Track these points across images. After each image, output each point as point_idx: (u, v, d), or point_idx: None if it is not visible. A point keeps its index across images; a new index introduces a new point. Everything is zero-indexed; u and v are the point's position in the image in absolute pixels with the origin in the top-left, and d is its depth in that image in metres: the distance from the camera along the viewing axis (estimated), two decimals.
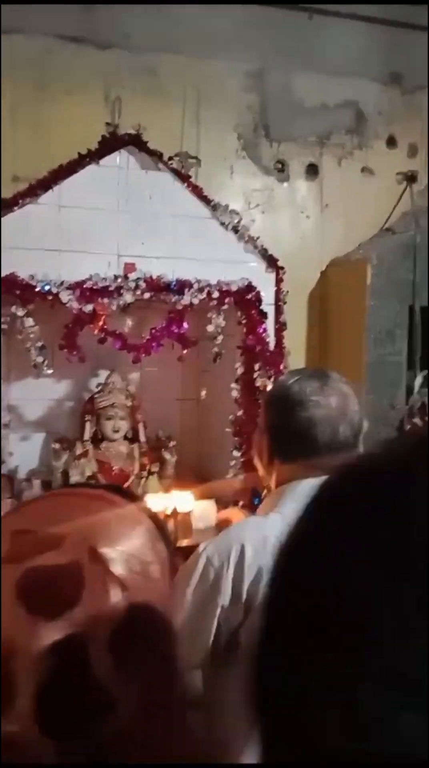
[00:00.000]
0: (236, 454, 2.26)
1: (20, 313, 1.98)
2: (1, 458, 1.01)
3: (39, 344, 2.06)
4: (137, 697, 0.47)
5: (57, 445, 2.32)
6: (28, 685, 0.45)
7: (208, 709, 1.18)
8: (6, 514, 0.56)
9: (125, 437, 2.43)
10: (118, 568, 0.50)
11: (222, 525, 1.41)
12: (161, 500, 1.61)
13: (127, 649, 0.48)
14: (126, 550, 0.51)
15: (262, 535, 1.10)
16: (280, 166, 2.67)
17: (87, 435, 2.39)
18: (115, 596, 0.49)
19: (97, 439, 2.41)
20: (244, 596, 1.08)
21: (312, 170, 2.71)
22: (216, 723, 1.14)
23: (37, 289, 1.97)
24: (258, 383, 2.21)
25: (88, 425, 2.40)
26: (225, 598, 1.09)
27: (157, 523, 0.57)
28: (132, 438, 2.45)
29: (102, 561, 0.50)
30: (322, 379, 1.19)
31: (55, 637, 0.46)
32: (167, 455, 2.41)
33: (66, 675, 0.46)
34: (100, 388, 2.42)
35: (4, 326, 1.99)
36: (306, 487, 1.14)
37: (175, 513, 1.55)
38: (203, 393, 2.39)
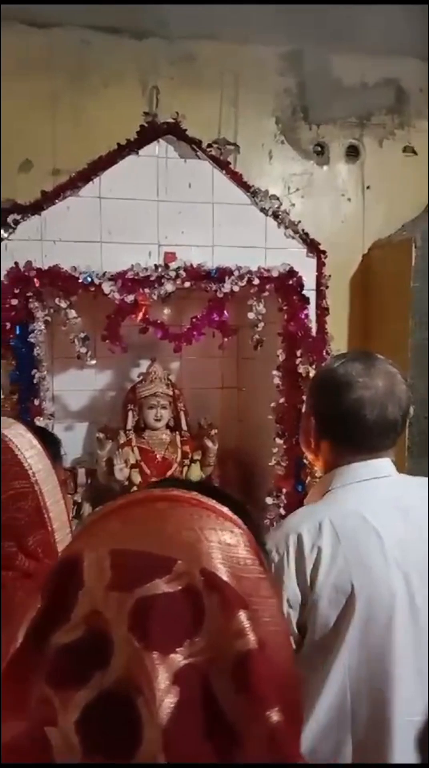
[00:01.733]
0: (279, 441, 2.25)
1: (63, 305, 2.01)
2: (62, 452, 1.03)
3: (82, 335, 2.09)
4: (268, 731, 0.43)
5: (101, 435, 2.35)
6: (154, 723, 0.42)
7: None
8: (91, 526, 0.51)
9: (167, 426, 2.45)
10: (236, 589, 0.46)
11: None
12: None
13: (255, 677, 0.44)
14: (236, 568, 0.47)
15: (316, 520, 1.11)
16: (319, 149, 2.63)
17: (130, 424, 2.42)
18: (239, 621, 0.45)
19: (140, 427, 2.43)
20: (307, 581, 1.09)
21: (352, 152, 2.66)
22: None
23: (79, 281, 1.99)
24: (300, 370, 2.19)
25: (130, 414, 2.42)
26: (288, 591, 1.09)
27: (251, 527, 0.53)
28: (174, 426, 2.47)
29: (220, 585, 0.45)
30: (368, 361, 1.19)
31: (175, 670, 0.43)
32: (209, 443, 2.41)
33: (192, 709, 0.43)
34: (141, 377, 2.44)
35: (47, 318, 2.02)
36: (356, 470, 1.17)
37: None
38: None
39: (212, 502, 0.51)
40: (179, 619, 0.44)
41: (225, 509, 0.51)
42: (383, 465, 1.18)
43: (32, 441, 0.86)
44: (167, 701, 0.42)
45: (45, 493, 0.83)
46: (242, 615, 0.45)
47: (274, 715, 0.44)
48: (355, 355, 1.26)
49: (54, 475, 0.87)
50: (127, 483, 2.33)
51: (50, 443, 0.92)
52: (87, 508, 2.35)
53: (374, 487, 1.16)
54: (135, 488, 2.32)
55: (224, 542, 0.48)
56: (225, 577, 0.46)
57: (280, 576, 1.09)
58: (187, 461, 2.43)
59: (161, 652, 0.43)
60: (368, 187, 2.68)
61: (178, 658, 0.43)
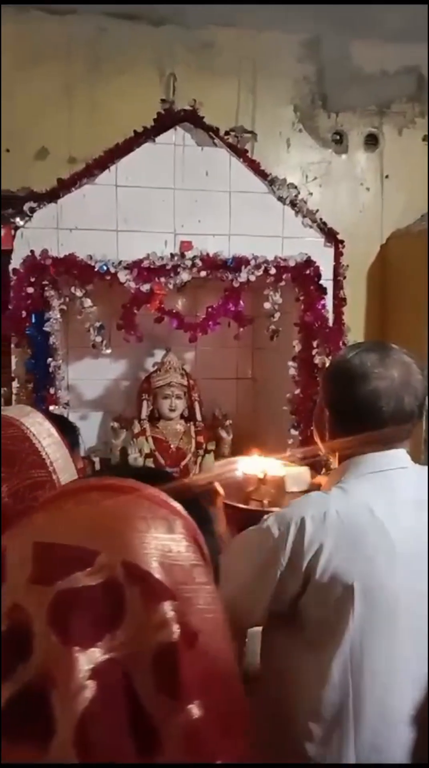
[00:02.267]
0: (294, 432, 2.24)
1: (79, 293, 2.00)
2: (80, 440, 1.02)
3: (97, 324, 2.08)
4: (186, 727, 0.43)
5: (115, 424, 2.36)
6: (67, 718, 0.41)
7: (266, 672, 1.18)
8: (23, 523, 0.50)
9: (181, 416, 2.44)
10: (161, 579, 0.45)
11: (315, 489, 1.41)
12: (253, 464, 1.61)
13: (176, 671, 0.44)
14: (167, 557, 0.46)
15: (323, 510, 1.09)
16: (338, 137, 2.60)
17: (144, 414, 2.42)
18: (161, 613, 0.45)
19: (154, 417, 2.43)
20: (304, 569, 1.07)
21: (371, 140, 2.62)
22: (274, 685, 1.14)
23: (95, 270, 1.98)
24: (316, 361, 2.17)
25: (145, 404, 2.42)
26: (282, 569, 1.08)
27: (197, 510, 0.52)
28: (188, 417, 2.46)
29: (142, 577, 0.45)
30: (383, 351, 1.16)
31: (93, 665, 0.42)
32: (223, 434, 2.41)
33: (108, 705, 0.42)
34: (156, 367, 2.43)
35: (63, 307, 2.01)
36: (370, 462, 1.15)
37: (265, 477, 1.57)
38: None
39: (150, 490, 0.50)
40: (99, 612, 0.44)
41: (162, 495, 0.50)
42: (398, 456, 1.16)
43: (50, 430, 0.86)
44: (83, 696, 0.41)
45: (62, 482, 0.82)
46: (166, 606, 0.45)
47: (195, 710, 0.43)
48: (369, 345, 1.23)
49: (72, 463, 0.86)
50: None
51: (68, 431, 0.91)
52: None
53: (388, 478, 1.13)
54: None
55: (155, 531, 0.47)
56: (150, 568, 0.45)
57: (276, 552, 1.08)
58: (201, 452, 2.42)
59: (80, 646, 0.43)
60: (387, 177, 2.64)
61: (97, 653, 0.43)
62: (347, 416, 1.16)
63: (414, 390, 1.13)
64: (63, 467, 0.83)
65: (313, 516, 1.08)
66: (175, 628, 0.44)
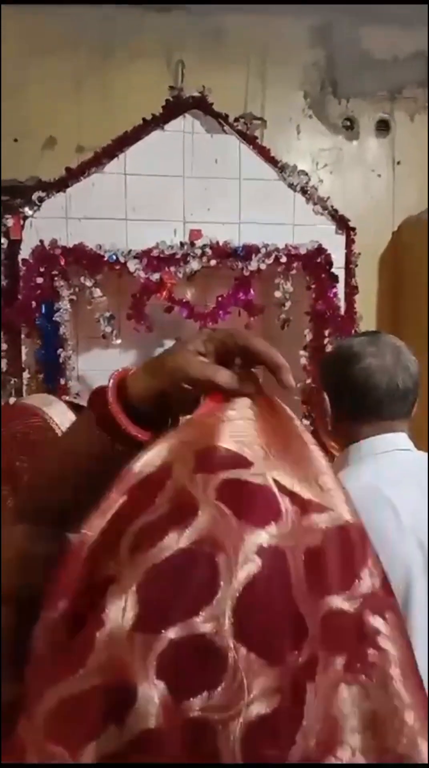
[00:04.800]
0: (305, 422, 2.22)
1: (88, 283, 1.99)
2: None
3: (107, 314, 2.07)
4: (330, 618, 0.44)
5: None
6: (230, 585, 0.42)
7: None
8: (174, 437, 0.51)
9: None
10: (306, 495, 0.47)
11: None
12: None
13: (324, 569, 0.46)
14: (306, 474, 0.49)
15: None
16: (348, 123, 2.56)
17: None
18: (310, 521, 0.47)
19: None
20: None
21: (383, 126, 2.58)
22: None
23: (104, 259, 1.97)
24: (328, 350, 2.15)
25: None
26: None
27: None
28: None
29: (290, 491, 0.47)
30: (374, 336, 1.22)
31: (260, 544, 0.44)
32: None
33: (270, 582, 0.43)
34: None
35: (72, 297, 2.01)
36: (371, 444, 1.15)
37: None
38: None
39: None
40: (260, 506, 0.46)
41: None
42: (399, 439, 1.17)
43: (73, 419, 0.85)
44: (248, 567, 0.43)
45: None
46: (314, 516, 0.48)
47: (340, 602, 0.45)
48: (360, 333, 1.33)
49: None
50: None
51: None
52: None
53: (391, 459, 1.14)
54: None
55: (296, 453, 0.50)
56: (298, 487, 0.48)
57: None
58: None
59: (249, 524, 0.44)
60: (399, 163, 2.60)
61: (264, 536, 0.44)
62: (344, 398, 1.18)
63: (406, 367, 1.16)
64: None
65: None
66: (322, 535, 0.47)
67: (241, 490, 0.46)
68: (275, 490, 0.47)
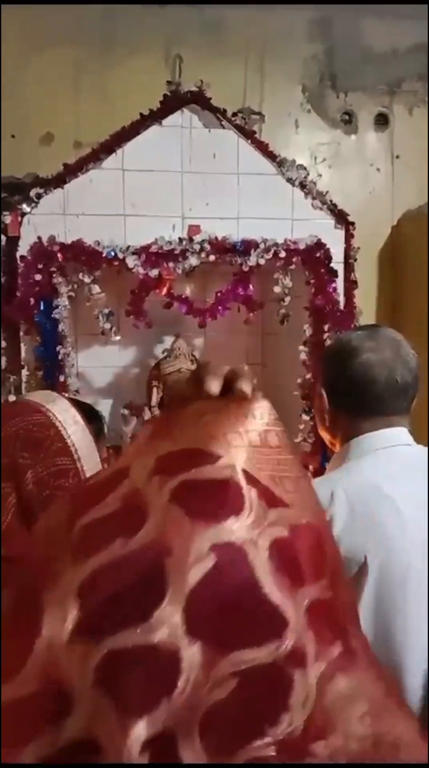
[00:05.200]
0: (305, 417, 2.22)
1: (87, 279, 1.98)
2: (105, 428, 1.03)
3: (106, 311, 2.07)
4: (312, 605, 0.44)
5: (126, 411, 2.34)
6: (177, 588, 0.41)
7: None
8: (137, 442, 0.52)
9: None
10: (277, 491, 0.47)
11: None
12: None
13: (295, 557, 0.45)
14: (277, 470, 0.48)
15: (329, 489, 1.08)
16: (347, 117, 2.55)
17: (154, 401, 2.40)
18: (276, 516, 0.46)
19: (164, 404, 2.41)
20: None
21: (381, 120, 2.58)
22: None
23: (103, 255, 1.96)
24: (327, 344, 2.14)
25: (154, 391, 2.40)
26: None
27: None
28: None
29: (256, 482, 0.46)
30: (372, 330, 1.21)
31: (214, 541, 0.43)
32: None
33: (225, 578, 0.43)
34: (165, 354, 2.41)
35: (71, 294, 2.00)
36: (371, 439, 1.14)
37: None
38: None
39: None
40: (222, 501, 0.45)
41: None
42: (399, 434, 1.15)
43: (76, 417, 0.85)
44: (202, 565, 0.42)
45: (86, 471, 0.81)
46: (280, 510, 0.47)
47: (319, 590, 0.44)
48: (359, 327, 1.31)
49: (96, 452, 0.85)
50: None
51: (93, 419, 0.90)
52: None
53: (391, 454, 1.13)
54: None
55: (267, 450, 0.49)
56: (268, 482, 0.47)
57: None
58: None
59: (202, 522, 0.43)
60: (398, 157, 2.60)
61: (219, 532, 0.44)
62: (343, 393, 1.17)
63: (405, 362, 1.15)
64: (87, 455, 0.82)
65: (322, 496, 1.04)
66: (288, 527, 0.46)
67: (199, 489, 0.45)
68: (242, 482, 0.46)
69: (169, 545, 0.43)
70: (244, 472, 0.46)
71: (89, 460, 0.83)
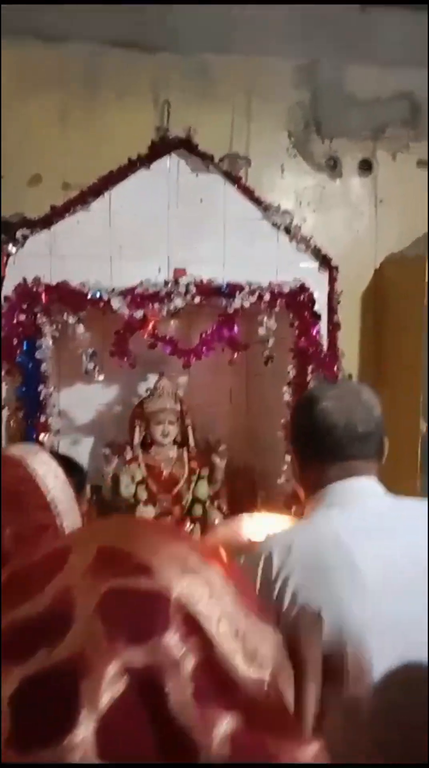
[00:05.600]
0: (289, 458, 2.21)
1: (71, 320, 1.98)
2: (86, 481, 1.03)
3: (90, 351, 2.06)
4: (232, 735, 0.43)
5: (107, 451, 2.32)
6: (90, 711, 0.41)
7: None
8: (87, 527, 0.52)
9: (174, 441, 2.41)
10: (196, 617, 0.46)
11: None
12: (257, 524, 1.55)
13: (212, 684, 0.44)
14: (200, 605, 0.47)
15: (287, 542, 1.08)
16: (332, 162, 2.60)
17: (136, 440, 2.39)
18: (202, 634, 0.45)
19: (147, 443, 2.40)
20: (274, 602, 1.04)
21: (365, 165, 2.63)
22: None
23: (88, 297, 1.96)
24: (311, 386, 2.15)
25: (137, 430, 2.39)
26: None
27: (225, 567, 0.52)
28: (181, 442, 2.43)
29: (184, 608, 0.46)
30: (337, 382, 1.34)
31: (130, 663, 0.42)
32: (217, 459, 2.37)
33: (137, 703, 0.42)
34: (149, 392, 2.41)
35: (55, 334, 2.00)
36: (334, 491, 1.13)
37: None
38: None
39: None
40: (147, 618, 0.44)
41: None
42: (366, 484, 1.15)
43: (57, 471, 0.84)
44: (115, 688, 0.41)
45: (66, 527, 0.80)
46: (203, 635, 0.46)
47: (228, 723, 0.43)
48: (328, 382, 1.34)
49: (77, 507, 0.84)
50: (133, 500, 2.30)
51: (74, 472, 0.90)
52: None
53: (356, 507, 1.12)
54: (140, 505, 2.29)
55: (200, 576, 0.48)
56: (192, 604, 0.46)
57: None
58: (194, 478, 2.39)
59: (121, 643, 0.43)
60: (381, 201, 2.64)
61: (137, 654, 0.43)
62: (305, 441, 1.20)
63: (366, 408, 1.16)
64: (67, 510, 0.82)
65: (279, 550, 1.07)
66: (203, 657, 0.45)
67: (127, 600, 0.45)
68: (172, 601, 0.45)
69: (86, 665, 0.42)
70: (178, 595, 0.46)
71: (69, 515, 0.83)
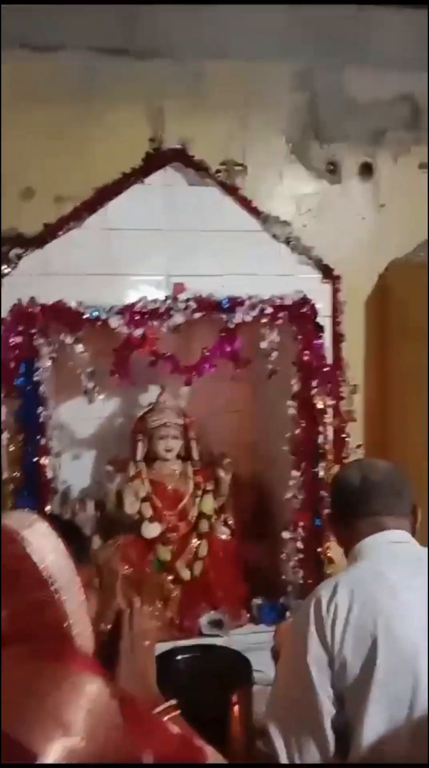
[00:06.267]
0: (295, 473, 2.18)
1: (69, 340, 1.94)
2: (88, 546, 1.04)
3: (89, 370, 2.02)
4: None
5: (110, 468, 2.29)
6: None
7: None
8: None
9: (178, 456, 2.38)
10: None
11: None
12: None
13: None
14: None
15: (333, 583, 1.17)
16: (331, 167, 2.54)
17: (139, 455, 2.35)
18: None
19: (150, 458, 2.36)
20: (328, 638, 1.11)
21: (366, 170, 2.57)
22: None
23: (85, 317, 1.92)
24: (316, 401, 2.11)
25: (139, 445, 2.35)
26: (311, 653, 1.11)
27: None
28: (185, 456, 2.39)
29: None
30: (367, 460, 1.54)
31: None
32: (222, 473, 2.34)
33: None
34: (150, 407, 2.36)
35: (53, 355, 1.96)
36: (369, 543, 1.23)
37: None
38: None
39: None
40: None
41: None
42: (396, 534, 1.24)
43: (55, 543, 0.82)
44: None
45: (66, 601, 0.78)
46: None
47: None
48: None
49: (77, 578, 0.82)
50: (137, 516, 2.27)
51: (74, 540, 0.87)
52: (97, 541, 2.28)
53: (389, 550, 1.22)
54: (146, 522, 2.26)
55: None
56: None
57: (304, 641, 1.13)
58: (199, 492, 2.35)
59: None
60: (383, 206, 2.59)
61: None
62: (334, 505, 1.35)
63: (379, 467, 1.31)
64: (66, 585, 0.79)
65: (326, 591, 1.15)
66: None
67: None
68: None
69: None
70: None
71: (68, 589, 0.81)
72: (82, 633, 0.81)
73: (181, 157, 2.03)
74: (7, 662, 0.70)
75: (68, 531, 0.88)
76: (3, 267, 1.89)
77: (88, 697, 0.67)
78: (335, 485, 1.36)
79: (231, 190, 2.11)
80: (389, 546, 1.22)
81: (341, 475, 1.36)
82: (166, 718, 1.00)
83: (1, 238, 2.13)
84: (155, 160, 2.03)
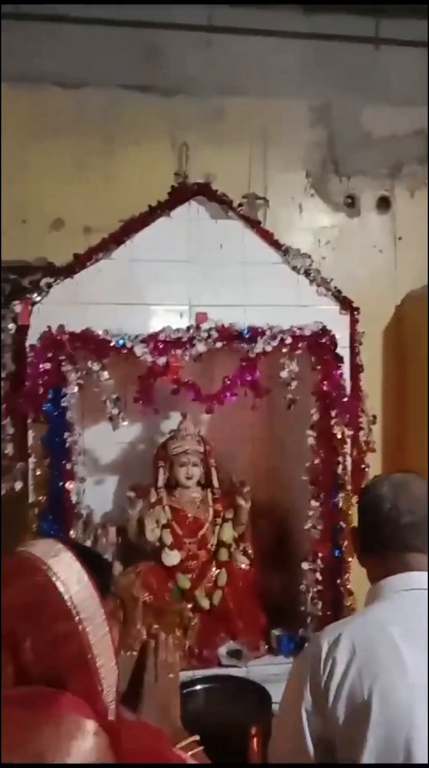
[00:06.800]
0: (314, 503, 2.19)
1: (96, 367, 1.99)
2: (111, 578, 1.05)
3: (114, 396, 2.06)
4: None
5: (132, 494, 2.31)
6: None
7: None
8: None
9: (198, 483, 2.40)
10: None
11: None
12: None
13: None
14: None
15: (337, 633, 1.13)
16: (350, 201, 2.61)
17: (160, 482, 2.37)
18: None
19: (171, 485, 2.39)
20: (321, 688, 1.09)
21: (383, 203, 2.64)
22: None
23: (111, 344, 1.97)
24: (335, 431, 2.13)
25: (161, 472, 2.38)
26: (305, 701, 1.10)
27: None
28: (205, 483, 2.42)
29: None
30: (392, 474, 1.34)
31: None
32: (241, 501, 2.35)
33: None
34: (172, 434, 2.40)
35: (80, 382, 2.00)
36: (388, 584, 1.19)
37: None
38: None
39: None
40: None
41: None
42: (416, 578, 1.19)
43: (80, 573, 0.81)
44: None
45: (90, 632, 0.78)
46: None
47: None
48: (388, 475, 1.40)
49: (101, 610, 0.82)
50: (158, 543, 2.28)
51: (98, 571, 0.86)
52: (118, 567, 2.30)
53: (406, 597, 1.17)
54: (166, 549, 2.28)
55: None
56: None
57: (300, 690, 1.12)
58: (218, 520, 2.37)
59: None
60: (400, 238, 2.65)
61: None
62: (365, 535, 1.29)
63: (411, 496, 1.23)
64: (91, 616, 0.79)
65: (329, 640, 1.12)
66: None
67: None
68: None
69: None
70: None
71: (93, 620, 0.80)
72: (106, 665, 0.81)
73: (205, 191, 2.09)
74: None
75: (92, 561, 0.88)
76: (35, 295, 1.94)
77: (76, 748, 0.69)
78: (366, 504, 1.28)
79: (252, 223, 2.16)
80: (410, 593, 1.17)
81: (374, 495, 1.26)
82: (189, 754, 1.01)
83: (30, 266, 2.21)
84: (180, 193, 2.10)
